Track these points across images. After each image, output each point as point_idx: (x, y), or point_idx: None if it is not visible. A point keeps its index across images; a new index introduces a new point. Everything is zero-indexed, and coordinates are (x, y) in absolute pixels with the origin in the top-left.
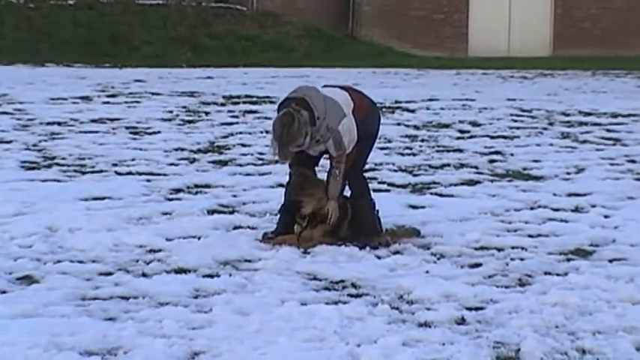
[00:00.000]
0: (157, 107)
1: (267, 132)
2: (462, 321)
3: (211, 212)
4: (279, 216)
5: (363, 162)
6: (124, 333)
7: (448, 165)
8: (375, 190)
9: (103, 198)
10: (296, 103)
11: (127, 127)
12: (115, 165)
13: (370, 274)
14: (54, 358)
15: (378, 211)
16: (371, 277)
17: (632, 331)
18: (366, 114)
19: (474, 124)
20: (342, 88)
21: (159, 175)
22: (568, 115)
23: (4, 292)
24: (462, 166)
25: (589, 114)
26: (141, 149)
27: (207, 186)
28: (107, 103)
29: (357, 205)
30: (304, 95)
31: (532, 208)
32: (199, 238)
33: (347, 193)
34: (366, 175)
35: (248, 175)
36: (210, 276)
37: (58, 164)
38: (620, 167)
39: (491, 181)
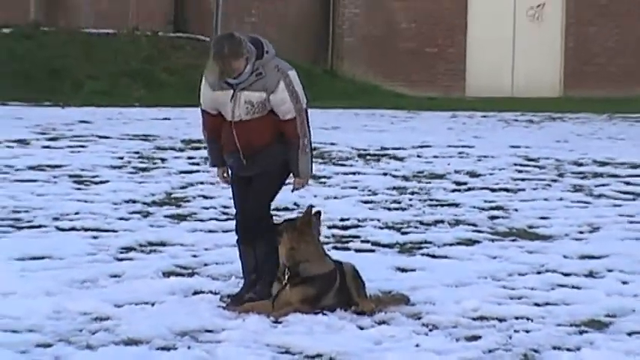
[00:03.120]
0: (104, 152)
1: None
2: None
3: (167, 274)
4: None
5: (270, 199)
6: None
7: (442, 222)
8: (357, 251)
9: (42, 257)
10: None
11: (70, 176)
12: (55, 219)
13: (351, 347)
14: None
15: (358, 272)
16: (352, 351)
17: None
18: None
19: (472, 174)
20: None
21: (107, 231)
22: (581, 165)
23: None
24: (458, 223)
25: (605, 164)
26: (86, 201)
27: (163, 244)
28: (47, 147)
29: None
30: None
31: (539, 273)
32: (153, 305)
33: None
34: (348, 232)
35: (210, 231)
36: (166, 348)
37: None
38: None
39: (492, 240)
